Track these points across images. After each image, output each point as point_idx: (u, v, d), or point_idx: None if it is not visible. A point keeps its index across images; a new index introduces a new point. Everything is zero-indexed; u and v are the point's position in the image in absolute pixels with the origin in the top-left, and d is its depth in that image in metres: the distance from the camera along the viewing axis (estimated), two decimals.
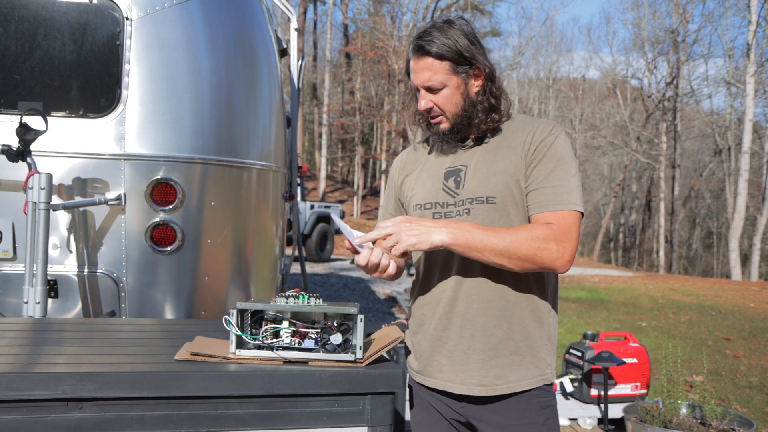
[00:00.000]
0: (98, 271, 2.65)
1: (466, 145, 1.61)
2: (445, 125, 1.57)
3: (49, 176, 2.40)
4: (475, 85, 1.55)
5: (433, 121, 1.59)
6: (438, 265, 1.59)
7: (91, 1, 2.66)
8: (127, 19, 2.65)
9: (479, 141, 1.60)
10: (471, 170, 1.57)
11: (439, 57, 1.50)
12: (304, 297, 1.35)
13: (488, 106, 1.55)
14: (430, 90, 1.54)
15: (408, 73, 1.60)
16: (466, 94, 1.54)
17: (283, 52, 3.78)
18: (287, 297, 1.35)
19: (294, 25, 4.02)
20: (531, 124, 1.57)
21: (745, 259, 22.98)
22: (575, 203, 1.48)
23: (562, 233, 1.44)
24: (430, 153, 1.69)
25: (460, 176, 1.58)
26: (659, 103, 27.42)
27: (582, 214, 1.49)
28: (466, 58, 1.51)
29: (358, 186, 30.83)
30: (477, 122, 1.55)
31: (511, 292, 1.53)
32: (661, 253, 27.80)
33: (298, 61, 4.15)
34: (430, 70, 1.52)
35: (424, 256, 1.65)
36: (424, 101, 1.55)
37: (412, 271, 1.55)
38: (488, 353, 1.53)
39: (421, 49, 1.52)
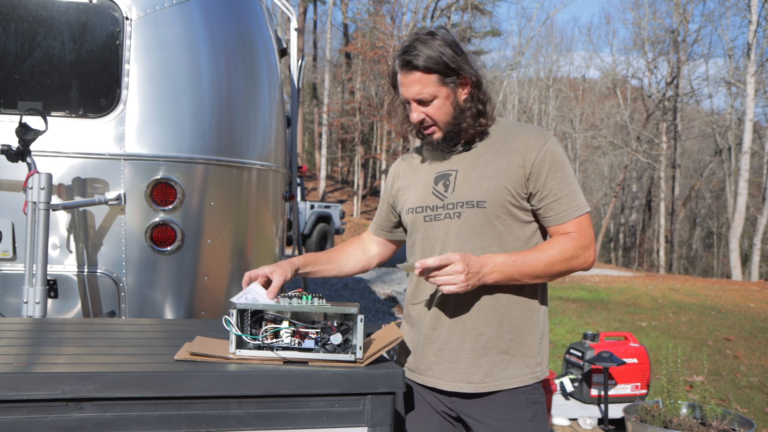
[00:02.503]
0: (98, 271, 2.65)
1: (456, 150, 1.64)
2: (438, 135, 1.62)
3: (49, 176, 2.39)
4: (463, 93, 1.59)
5: (426, 132, 1.63)
6: None
7: (91, 1, 2.66)
8: (126, 18, 2.65)
9: (468, 146, 1.64)
10: (461, 174, 1.61)
11: (427, 70, 1.54)
12: (306, 297, 1.35)
13: (476, 111, 1.59)
14: (421, 102, 1.58)
15: (394, 85, 1.63)
16: (455, 102, 1.58)
17: (283, 52, 3.78)
18: (288, 297, 1.36)
19: (294, 25, 4.02)
20: (520, 132, 1.61)
21: (745, 259, 22.98)
22: (583, 205, 1.58)
23: (583, 238, 1.56)
24: (422, 160, 1.73)
25: (449, 180, 1.62)
26: (659, 103, 27.39)
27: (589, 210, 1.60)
28: (453, 69, 1.54)
29: (358, 186, 30.81)
30: (465, 127, 1.59)
31: (501, 292, 1.57)
32: (662, 253, 27.80)
33: (298, 61, 4.15)
34: (419, 84, 1.55)
35: (418, 256, 1.67)
36: (416, 113, 1.59)
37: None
38: (477, 352, 1.57)
39: (408, 64, 1.55)
